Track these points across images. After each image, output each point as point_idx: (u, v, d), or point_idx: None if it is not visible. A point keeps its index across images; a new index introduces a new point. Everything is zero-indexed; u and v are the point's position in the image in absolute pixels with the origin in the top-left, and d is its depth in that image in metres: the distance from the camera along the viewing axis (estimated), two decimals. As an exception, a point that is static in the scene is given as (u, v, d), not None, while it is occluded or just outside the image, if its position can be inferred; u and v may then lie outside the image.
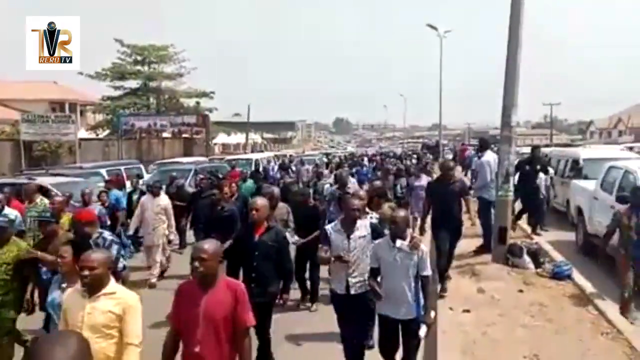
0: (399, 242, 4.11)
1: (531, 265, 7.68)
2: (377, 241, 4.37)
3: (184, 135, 33.35)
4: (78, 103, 38.05)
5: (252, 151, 43.00)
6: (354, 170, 16.51)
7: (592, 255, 8.34)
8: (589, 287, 6.69)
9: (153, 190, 8.75)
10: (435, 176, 17.62)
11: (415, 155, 29.82)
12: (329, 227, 4.66)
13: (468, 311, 5.85)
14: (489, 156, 8.78)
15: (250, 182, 12.10)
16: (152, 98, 36.08)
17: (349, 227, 4.48)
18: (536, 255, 7.87)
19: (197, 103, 37.49)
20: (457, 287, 6.84)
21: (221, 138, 49.96)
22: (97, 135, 34.24)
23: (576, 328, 5.36)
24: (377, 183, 7.35)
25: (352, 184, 9.38)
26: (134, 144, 31.82)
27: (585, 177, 10.98)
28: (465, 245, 9.08)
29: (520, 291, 6.59)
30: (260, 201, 4.79)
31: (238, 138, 53.58)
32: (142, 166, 19.04)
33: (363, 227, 4.53)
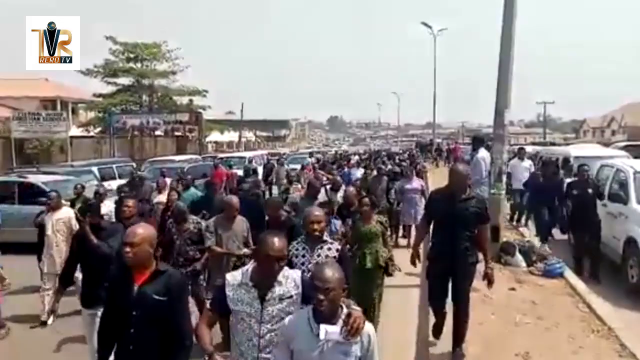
0: (324, 331, 2.39)
1: (523, 264, 7.71)
2: (289, 318, 2.57)
3: (176, 134, 33.25)
4: (70, 101, 37.79)
5: (245, 149, 42.96)
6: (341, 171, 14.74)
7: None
8: (580, 285, 6.74)
9: (50, 203, 6.81)
10: (426, 177, 17.18)
11: (406, 155, 28.02)
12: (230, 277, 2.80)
13: (460, 309, 5.83)
14: (484, 153, 8.78)
15: (193, 190, 9.15)
16: (145, 96, 35.94)
17: (263, 281, 2.68)
18: (528, 254, 7.89)
19: (190, 101, 37.38)
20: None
21: (214, 136, 49.85)
22: (89, 132, 34.05)
23: (567, 325, 5.38)
24: (350, 190, 6.91)
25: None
26: (126, 142, 31.68)
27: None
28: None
29: (513, 289, 6.60)
30: (141, 230, 3.00)
31: (231, 136, 53.51)
32: (134, 164, 18.98)
33: (290, 281, 2.72)
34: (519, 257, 7.78)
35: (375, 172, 11.95)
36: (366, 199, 5.69)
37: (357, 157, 26.29)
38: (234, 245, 5.45)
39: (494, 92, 8.00)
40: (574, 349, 4.83)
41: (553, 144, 27.09)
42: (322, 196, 7.61)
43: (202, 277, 5.82)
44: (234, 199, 5.69)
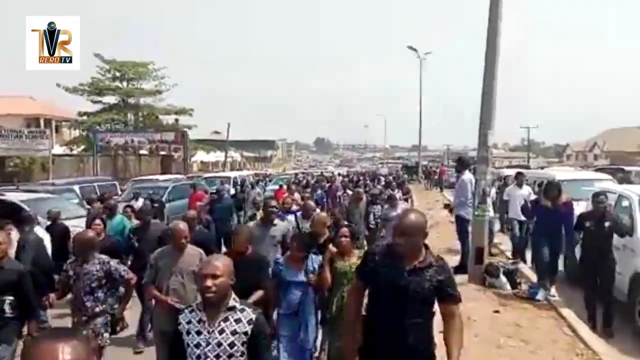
0: None
1: (508, 286, 7.65)
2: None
3: (161, 153, 33.00)
4: (54, 119, 37.47)
5: (231, 169, 42.78)
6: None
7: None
8: (564, 308, 6.68)
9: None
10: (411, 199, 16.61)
11: (391, 177, 26.63)
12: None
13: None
14: (469, 174, 8.78)
15: (119, 218, 7.59)
16: (130, 114, 35.77)
17: (211, 313, 2.58)
18: (513, 276, 7.85)
19: (176, 120, 37.29)
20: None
21: (200, 156, 49.59)
22: (72, 151, 33.71)
23: (551, 349, 5.31)
24: (319, 216, 5.98)
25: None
26: (109, 160, 31.39)
27: None
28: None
29: (497, 312, 6.53)
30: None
31: (217, 156, 53.26)
32: (116, 183, 18.71)
33: (241, 317, 2.59)
34: (503, 279, 7.73)
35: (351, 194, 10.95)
36: (345, 229, 4.67)
37: (340, 177, 25.72)
38: (178, 283, 4.45)
39: (479, 115, 8.05)
40: (558, 373, 4.75)
41: (542, 168, 27.34)
42: (293, 225, 6.71)
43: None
44: (180, 225, 4.65)
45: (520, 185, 10.65)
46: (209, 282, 2.53)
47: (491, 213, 9.82)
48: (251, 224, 6.63)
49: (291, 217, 7.17)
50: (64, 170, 26.08)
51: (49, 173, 23.32)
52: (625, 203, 7.33)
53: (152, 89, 35.64)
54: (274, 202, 6.40)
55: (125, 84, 34.99)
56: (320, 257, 4.69)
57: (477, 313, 6.36)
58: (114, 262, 4.52)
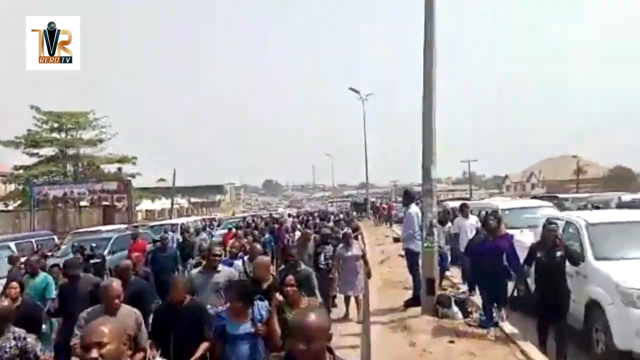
0: None
1: (460, 315, 7.72)
2: None
3: (104, 203, 31.93)
4: (-14, 175, 35.75)
5: (179, 216, 41.78)
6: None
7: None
8: (514, 331, 6.79)
9: None
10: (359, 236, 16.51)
11: (340, 215, 27.44)
12: None
13: (401, 367, 5.69)
14: (415, 208, 8.92)
15: (42, 277, 7.12)
16: (70, 165, 34.62)
17: None
18: (464, 305, 7.93)
19: (119, 169, 36.37)
20: (388, 343, 6.70)
21: (146, 204, 48.32)
22: (7, 206, 32.08)
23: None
24: (260, 260, 5.51)
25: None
26: (48, 214, 30.01)
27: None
28: (396, 297, 9.07)
29: (451, 342, 6.54)
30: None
31: (163, 204, 52.06)
32: (55, 237, 17.87)
33: None
34: (454, 308, 7.79)
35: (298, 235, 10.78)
36: (290, 277, 4.41)
37: (290, 218, 25.45)
38: None
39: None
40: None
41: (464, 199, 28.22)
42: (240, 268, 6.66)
43: None
44: (113, 283, 4.22)
45: (466, 216, 10.92)
46: (94, 354, 2.11)
47: (446, 246, 10.09)
48: (194, 271, 6.26)
49: (238, 263, 6.94)
50: (-2, 227, 24.72)
51: (-19, 231, 22.02)
52: (572, 229, 7.38)
53: (92, 139, 34.78)
54: (217, 248, 6.07)
55: (63, 134, 34.02)
56: (266, 303, 4.26)
57: (432, 345, 6.36)
58: (31, 339, 3.97)
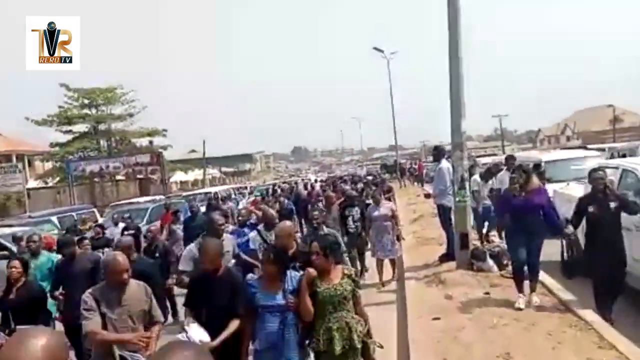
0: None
1: (495, 268, 7.72)
2: None
3: (138, 176, 32.62)
4: (26, 153, 36.81)
5: (211, 186, 42.47)
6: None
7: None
8: (552, 282, 6.74)
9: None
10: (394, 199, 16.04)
11: (370, 177, 26.26)
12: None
13: (438, 318, 5.77)
14: (446, 163, 8.83)
15: (47, 256, 6.75)
16: (103, 141, 35.31)
17: None
18: (499, 258, 7.91)
19: (150, 142, 36.93)
20: (425, 296, 6.77)
21: (179, 176, 49.21)
22: (47, 184, 33.12)
23: (544, 323, 5.34)
24: (283, 226, 4.95)
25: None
26: (86, 189, 30.92)
27: (549, 180, 9.57)
28: (429, 254, 9.10)
29: (487, 294, 6.57)
30: None
31: (196, 175, 52.91)
32: (95, 210, 18.44)
33: None
34: (490, 262, 7.79)
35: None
36: (314, 244, 3.82)
37: (318, 184, 24.20)
38: (127, 326, 3.72)
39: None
40: (553, 345, 4.78)
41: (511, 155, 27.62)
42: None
43: None
44: (119, 257, 3.82)
45: (511, 170, 9.09)
46: None
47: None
48: (194, 243, 5.50)
49: (254, 235, 6.41)
50: (40, 203, 25.59)
51: (25, 207, 22.87)
52: (631, 178, 6.50)
53: (122, 113, 35.29)
54: (218, 217, 5.75)
55: (94, 110, 34.56)
56: (299, 274, 3.86)
57: (468, 297, 6.41)
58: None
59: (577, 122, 75.37)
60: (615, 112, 59.56)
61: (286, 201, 13.91)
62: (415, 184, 31.19)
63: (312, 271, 3.72)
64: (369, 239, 8.73)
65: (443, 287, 7.09)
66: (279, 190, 20.71)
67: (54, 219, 15.27)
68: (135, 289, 3.83)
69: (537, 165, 10.82)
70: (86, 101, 33.98)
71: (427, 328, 5.55)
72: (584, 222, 5.98)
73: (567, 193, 8.23)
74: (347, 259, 6.79)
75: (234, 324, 3.75)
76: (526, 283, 6.16)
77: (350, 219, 8.68)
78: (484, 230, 9.94)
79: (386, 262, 8.54)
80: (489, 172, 10.60)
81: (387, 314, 6.60)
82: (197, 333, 3.57)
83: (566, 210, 6.42)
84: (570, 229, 6.07)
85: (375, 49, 36.36)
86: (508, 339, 5.01)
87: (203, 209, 14.09)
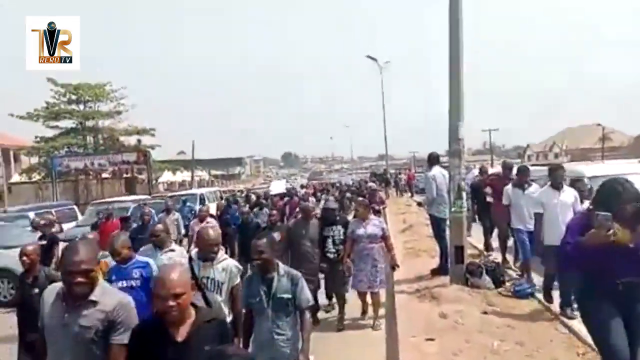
0: None
1: (492, 285, 7.27)
2: None
3: (124, 175, 31.91)
4: (10, 148, 35.97)
5: (199, 188, 41.80)
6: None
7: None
8: (554, 306, 6.28)
9: None
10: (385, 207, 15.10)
11: (354, 187, 25.13)
12: None
13: (432, 339, 5.30)
14: (435, 170, 8.37)
15: None
16: (89, 137, 34.59)
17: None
18: (495, 274, 7.47)
19: (138, 141, 36.23)
20: (417, 312, 6.29)
21: (167, 176, 48.45)
22: (31, 179, 32.32)
23: (549, 349, 4.89)
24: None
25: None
26: (70, 186, 30.15)
27: None
28: (421, 266, 8.65)
29: (485, 313, 6.11)
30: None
31: (184, 176, 52.20)
32: (75, 207, 17.81)
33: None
34: (486, 278, 7.33)
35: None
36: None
37: (303, 190, 24.28)
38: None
39: (443, 122, 7.67)
40: (560, 375, 4.34)
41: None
42: None
43: None
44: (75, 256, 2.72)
45: (558, 187, 6.35)
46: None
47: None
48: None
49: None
50: (22, 198, 24.95)
51: (4, 202, 22.17)
52: None
53: (110, 111, 34.61)
54: (157, 228, 5.19)
55: (82, 106, 33.87)
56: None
57: (464, 316, 5.93)
58: None
59: (566, 139, 75.85)
60: (605, 130, 59.98)
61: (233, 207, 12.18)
62: (401, 194, 31.03)
63: None
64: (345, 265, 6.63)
65: (436, 302, 6.62)
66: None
67: (31, 214, 14.64)
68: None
69: (576, 181, 7.85)
70: (73, 97, 33.29)
71: (421, 349, 5.07)
72: None
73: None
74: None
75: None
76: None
77: (329, 241, 6.80)
78: (511, 260, 8.85)
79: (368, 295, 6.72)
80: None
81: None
82: None
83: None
84: None
85: (369, 57, 36.14)
86: (510, 366, 4.55)
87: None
